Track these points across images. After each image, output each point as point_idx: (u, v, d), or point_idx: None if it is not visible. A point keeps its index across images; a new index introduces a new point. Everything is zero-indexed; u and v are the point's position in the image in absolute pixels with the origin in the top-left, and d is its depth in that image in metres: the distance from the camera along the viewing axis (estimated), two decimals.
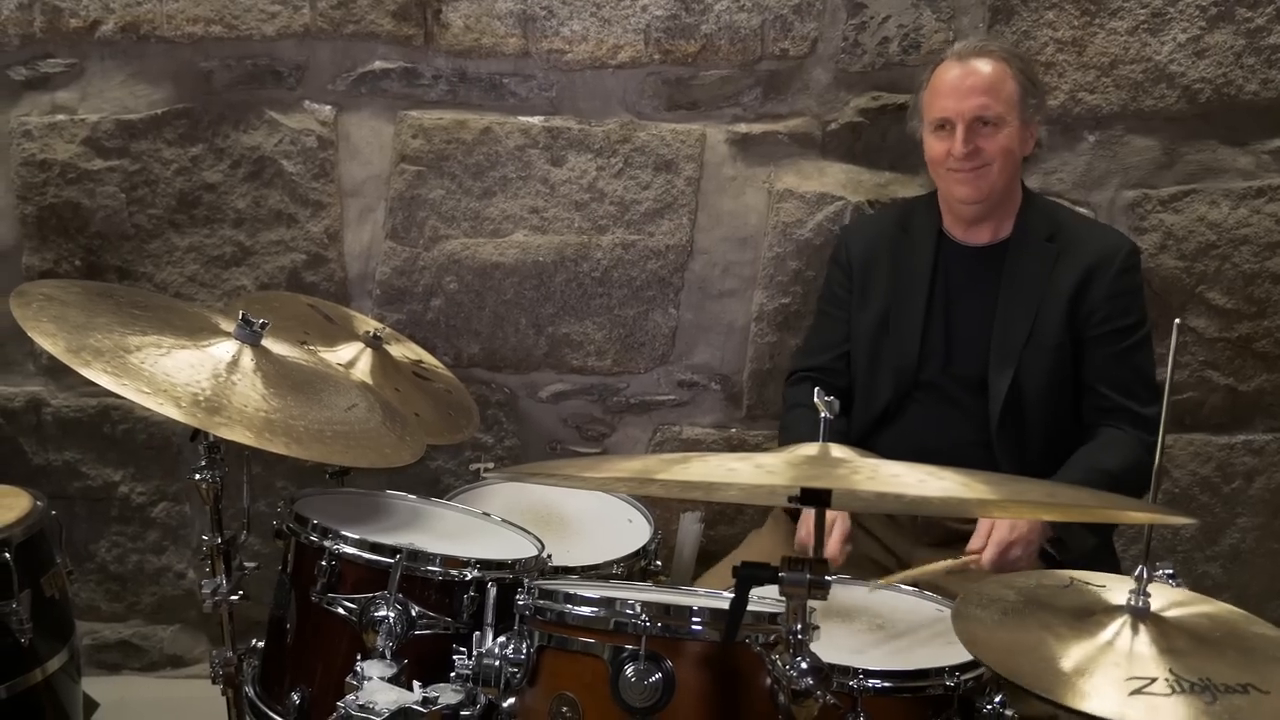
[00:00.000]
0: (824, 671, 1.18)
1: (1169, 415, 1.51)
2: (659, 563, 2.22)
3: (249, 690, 1.91)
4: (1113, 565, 2.24)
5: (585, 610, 1.44)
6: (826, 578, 1.17)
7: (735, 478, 1.10)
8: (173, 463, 2.82)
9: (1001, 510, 1.29)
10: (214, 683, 2.02)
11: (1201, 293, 2.76)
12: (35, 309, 1.73)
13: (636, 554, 2.17)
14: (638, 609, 1.40)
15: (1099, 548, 2.21)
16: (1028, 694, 1.63)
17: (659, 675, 1.35)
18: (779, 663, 1.20)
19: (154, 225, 2.68)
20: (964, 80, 2.19)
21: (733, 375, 2.83)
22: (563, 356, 2.80)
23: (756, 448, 2.86)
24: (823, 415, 1.26)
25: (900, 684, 1.65)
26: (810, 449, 1.22)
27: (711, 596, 1.60)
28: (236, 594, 1.97)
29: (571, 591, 1.47)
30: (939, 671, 1.66)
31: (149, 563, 2.89)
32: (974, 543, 2.05)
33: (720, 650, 1.38)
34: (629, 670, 1.35)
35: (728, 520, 2.86)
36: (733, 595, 1.23)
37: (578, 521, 2.30)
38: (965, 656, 1.68)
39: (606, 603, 1.42)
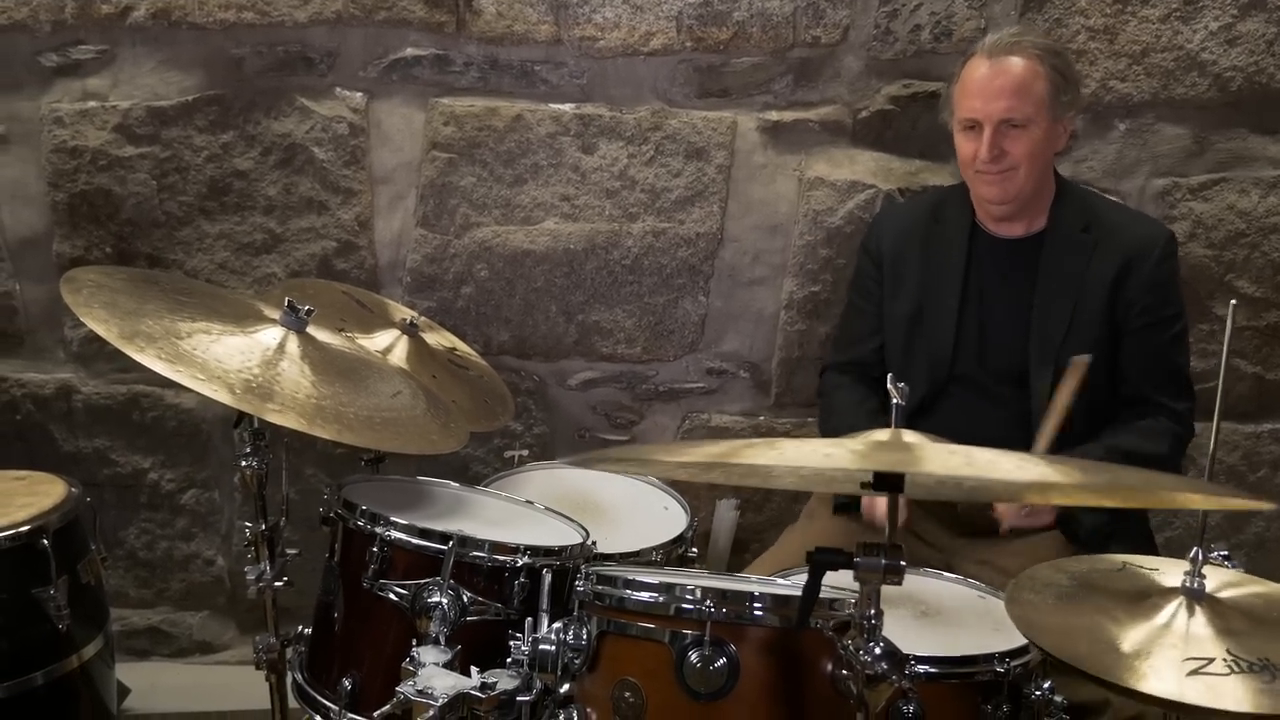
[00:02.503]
0: (898, 656, 1.19)
1: (1222, 400, 1.52)
2: (695, 550, 2.23)
3: (297, 676, 1.91)
4: (1149, 548, 2.25)
5: (646, 596, 1.44)
6: (901, 563, 1.18)
7: (823, 461, 1.11)
8: (202, 450, 2.83)
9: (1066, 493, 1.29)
10: (257, 668, 2.03)
11: (1230, 281, 2.76)
12: (86, 295, 1.73)
13: (674, 541, 2.17)
14: (699, 594, 1.40)
15: (1132, 526, 2.22)
16: (1077, 680, 1.65)
17: (724, 660, 1.35)
18: (852, 647, 1.21)
19: (185, 212, 2.67)
20: (992, 81, 2.14)
21: (762, 363, 2.84)
22: (592, 344, 2.80)
23: (786, 435, 2.87)
24: (895, 401, 1.27)
25: (950, 670, 1.66)
26: (882, 434, 1.23)
27: (765, 583, 1.61)
28: (281, 580, 1.98)
29: (631, 577, 1.47)
30: (989, 657, 1.67)
31: (178, 549, 2.89)
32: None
33: (782, 635, 1.39)
34: (693, 656, 1.36)
35: (755, 508, 2.87)
36: (805, 580, 1.23)
37: (614, 509, 2.30)
38: (1013, 642, 1.70)
39: (667, 588, 1.43)
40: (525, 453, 2.48)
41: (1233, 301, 1.51)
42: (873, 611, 1.20)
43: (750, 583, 1.60)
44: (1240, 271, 2.76)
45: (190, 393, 2.72)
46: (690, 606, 1.39)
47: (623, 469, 1.24)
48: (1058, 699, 1.68)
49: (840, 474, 1.21)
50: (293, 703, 2.05)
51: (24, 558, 2.09)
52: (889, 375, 1.30)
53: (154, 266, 2.68)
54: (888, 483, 1.18)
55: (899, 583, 1.19)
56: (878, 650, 1.19)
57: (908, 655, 1.24)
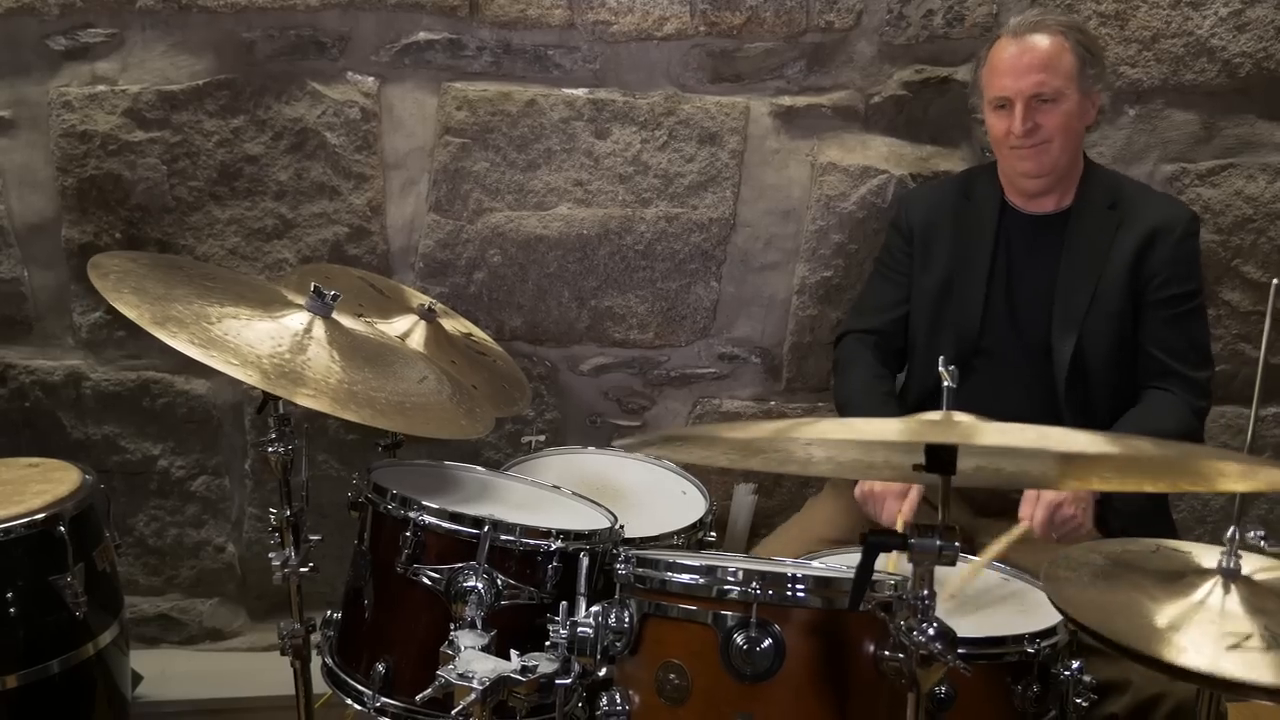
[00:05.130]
0: (951, 636, 1.20)
1: (1262, 384, 1.53)
2: (713, 534, 2.23)
3: (327, 660, 1.90)
4: (1169, 530, 2.28)
5: (689, 578, 1.44)
6: (955, 544, 1.19)
7: (879, 435, 1.12)
8: (213, 436, 2.81)
9: (1122, 471, 1.30)
10: (282, 654, 2.02)
11: (1237, 266, 2.79)
12: (114, 280, 1.71)
13: (694, 525, 2.17)
14: (743, 576, 1.40)
15: (1155, 513, 2.24)
16: (1099, 658, 1.67)
17: (770, 642, 1.36)
18: (905, 627, 1.21)
19: (195, 198, 2.65)
20: (1021, 58, 2.19)
21: (773, 348, 2.84)
22: (605, 329, 2.80)
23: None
24: (946, 384, 1.28)
25: (980, 650, 1.67)
26: (933, 416, 1.24)
27: (802, 565, 1.61)
28: (306, 566, 1.97)
29: (673, 560, 1.48)
30: (1018, 639, 1.68)
31: (188, 536, 2.88)
32: (1024, 510, 2.05)
33: (826, 617, 1.40)
34: (739, 638, 1.36)
35: (766, 493, 2.88)
36: (858, 562, 1.24)
37: (633, 494, 2.30)
38: (1041, 624, 1.72)
39: (710, 571, 1.43)
40: (542, 437, 2.48)
41: (1275, 280, 1.50)
42: (926, 592, 1.20)
43: (787, 565, 1.61)
44: (1247, 256, 2.78)
45: (201, 379, 2.76)
46: (735, 589, 1.39)
47: (685, 452, 1.25)
48: (1086, 678, 1.70)
49: (894, 448, 1.21)
50: (317, 688, 2.06)
51: (41, 545, 2.09)
52: (940, 359, 1.31)
53: (164, 252, 2.66)
54: (940, 462, 1.18)
55: (953, 564, 1.20)
56: (931, 631, 1.20)
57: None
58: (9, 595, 2.07)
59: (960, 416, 1.22)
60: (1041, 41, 2.19)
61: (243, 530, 2.88)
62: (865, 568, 1.22)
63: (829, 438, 1.17)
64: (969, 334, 2.33)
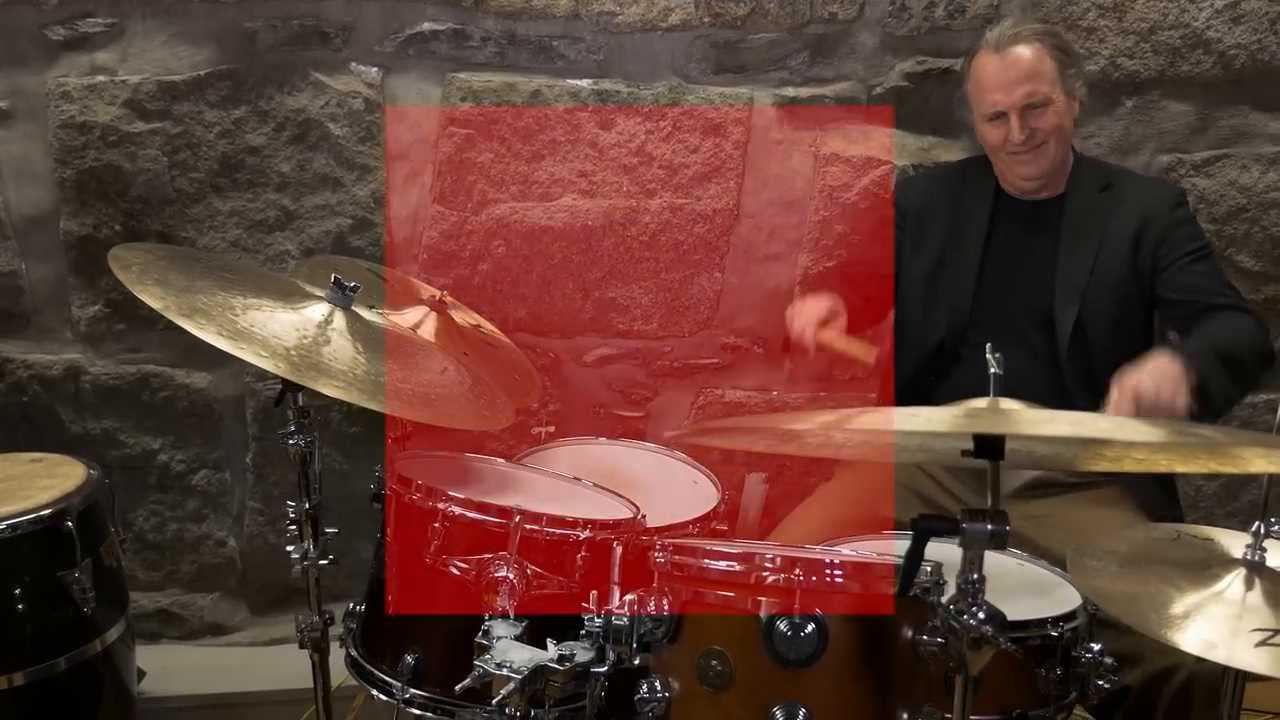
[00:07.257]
0: (1001, 619, 1.21)
1: None
2: (724, 525, 2.24)
3: (352, 652, 1.90)
4: (1175, 511, 2.32)
5: (728, 565, 1.45)
6: (1007, 529, 1.20)
7: (925, 426, 1.13)
8: (214, 430, 2.79)
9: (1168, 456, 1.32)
10: (301, 646, 2.01)
11: (1231, 255, 2.83)
12: (137, 272, 1.69)
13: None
14: (782, 562, 1.41)
15: (1165, 486, 2.28)
16: (1111, 631, 1.69)
17: (813, 627, 1.37)
18: (954, 611, 1.23)
19: (196, 189, 2.63)
20: (1006, 72, 2.28)
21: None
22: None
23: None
24: (992, 371, 1.29)
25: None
26: (980, 402, 1.25)
27: (833, 552, 1.63)
28: (325, 559, 1.96)
29: (711, 547, 1.48)
30: (1041, 622, 1.70)
31: (188, 531, 2.85)
32: (1110, 398, 2.02)
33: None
34: (782, 624, 1.37)
35: (770, 482, 2.89)
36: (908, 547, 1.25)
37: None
38: (1062, 607, 1.74)
39: (748, 558, 1.44)
40: (551, 428, 2.49)
41: None
42: (975, 576, 1.22)
43: (820, 552, 1.62)
44: (1240, 246, 2.83)
45: (201, 372, 2.74)
46: (778, 575, 1.40)
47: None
48: (1107, 660, 1.73)
49: (940, 439, 1.23)
50: (334, 681, 2.06)
51: (48, 541, 2.08)
52: (988, 345, 1.32)
53: (165, 244, 2.64)
54: (989, 448, 1.20)
55: (1004, 548, 1.22)
56: (981, 614, 1.21)
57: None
58: (16, 592, 2.06)
59: (1007, 403, 1.23)
60: (1023, 53, 2.29)
61: (244, 524, 2.86)
62: (916, 553, 1.23)
63: (883, 428, 1.18)
64: (962, 308, 2.39)
